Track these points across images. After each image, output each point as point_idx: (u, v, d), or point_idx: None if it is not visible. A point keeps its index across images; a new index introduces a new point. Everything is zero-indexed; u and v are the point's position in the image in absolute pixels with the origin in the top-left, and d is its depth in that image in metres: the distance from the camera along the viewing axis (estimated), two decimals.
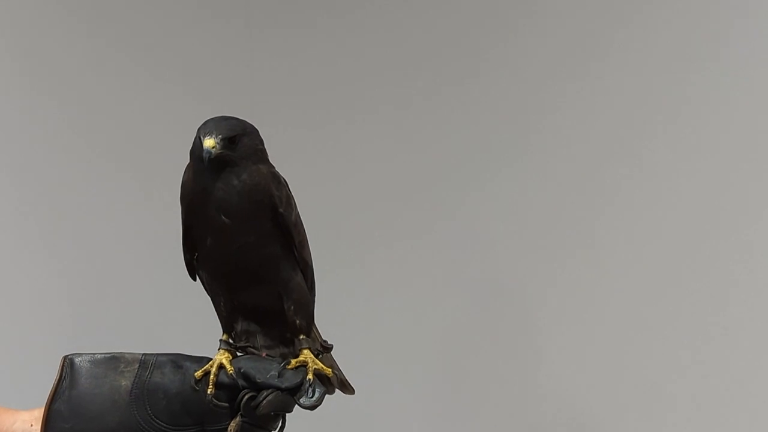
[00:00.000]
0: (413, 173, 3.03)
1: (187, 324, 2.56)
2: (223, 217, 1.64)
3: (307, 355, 1.68)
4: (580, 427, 2.79)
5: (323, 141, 3.14)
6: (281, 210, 1.67)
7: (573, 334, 2.79)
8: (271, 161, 1.72)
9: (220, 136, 1.63)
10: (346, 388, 1.82)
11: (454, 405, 2.92)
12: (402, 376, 2.94)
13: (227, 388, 1.65)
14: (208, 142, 1.62)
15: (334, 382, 1.77)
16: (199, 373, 1.66)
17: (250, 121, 1.71)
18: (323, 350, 1.75)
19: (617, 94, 2.78)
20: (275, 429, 1.68)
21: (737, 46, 2.64)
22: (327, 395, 1.74)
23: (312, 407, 1.64)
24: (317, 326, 1.79)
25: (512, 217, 2.90)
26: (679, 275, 2.67)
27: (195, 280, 1.75)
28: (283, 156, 1.82)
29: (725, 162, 2.64)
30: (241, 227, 1.65)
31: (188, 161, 1.69)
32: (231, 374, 1.65)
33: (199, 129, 1.66)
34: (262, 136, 1.70)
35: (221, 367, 1.66)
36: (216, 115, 1.68)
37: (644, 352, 2.70)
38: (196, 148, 1.65)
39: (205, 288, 1.75)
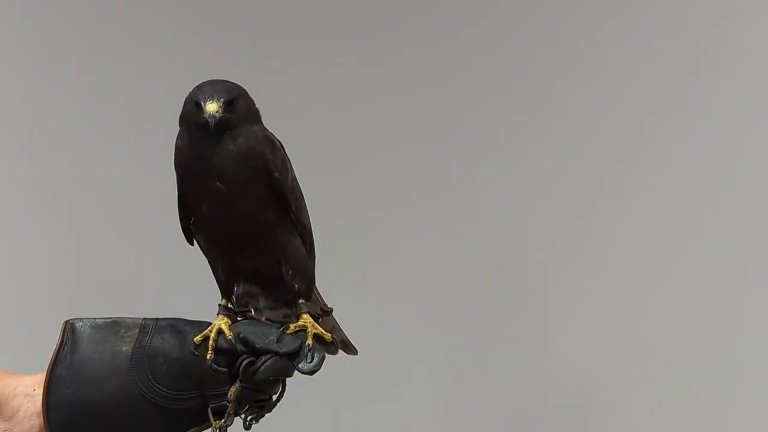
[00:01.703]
0: (421, 134, 3.00)
1: (188, 288, 2.55)
2: (218, 183, 1.63)
3: (306, 319, 1.67)
4: (586, 401, 2.79)
5: (322, 101, 3.10)
6: (276, 175, 1.66)
7: (581, 309, 2.79)
8: (268, 121, 1.70)
9: (222, 100, 1.62)
10: (349, 348, 1.82)
11: (459, 368, 2.91)
12: (405, 337, 2.92)
13: (226, 354, 1.65)
14: (212, 107, 1.61)
15: (336, 343, 1.77)
16: (198, 338, 1.66)
17: (249, 79, 1.70)
18: (323, 314, 1.75)
19: (622, 58, 2.76)
20: (275, 394, 1.67)
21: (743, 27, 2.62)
22: (331, 355, 1.75)
23: (311, 372, 1.63)
24: (318, 289, 1.78)
25: (521, 190, 2.88)
26: (692, 253, 2.66)
27: (192, 245, 1.74)
28: (281, 116, 1.80)
29: (738, 128, 2.62)
30: (237, 193, 1.64)
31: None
32: (230, 339, 1.65)
33: (194, 94, 1.64)
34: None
35: (220, 332, 1.65)
36: (206, 80, 1.67)
37: (653, 330, 2.70)
38: (192, 114, 1.64)
39: (203, 253, 1.73)
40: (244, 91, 1.67)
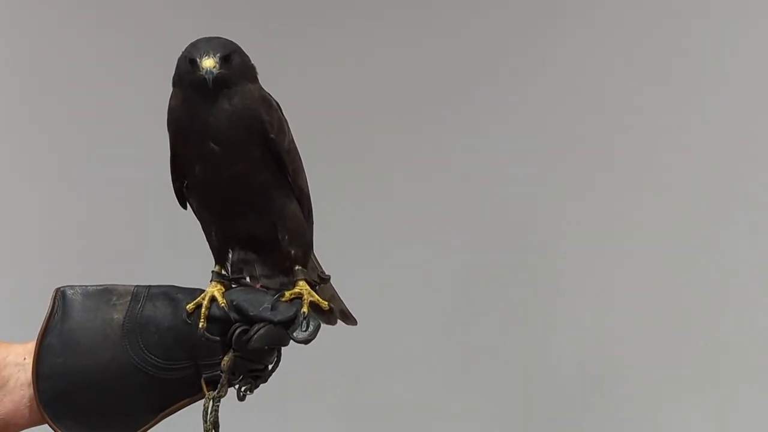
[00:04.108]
0: (428, 101, 2.96)
1: (182, 253, 2.53)
2: (211, 144, 1.59)
3: (302, 286, 1.63)
4: (598, 370, 2.76)
5: (324, 64, 3.06)
6: (272, 136, 1.61)
7: (593, 273, 2.76)
8: (269, 85, 1.66)
9: (218, 55, 1.59)
10: (348, 319, 1.77)
11: (464, 340, 2.88)
12: (408, 307, 2.89)
13: (220, 322, 1.61)
14: (208, 62, 1.58)
15: (335, 312, 1.73)
16: (190, 306, 1.62)
17: (246, 33, 1.70)
18: (321, 281, 1.71)
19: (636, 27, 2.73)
20: (270, 363, 1.63)
21: None
22: (329, 326, 1.71)
23: (306, 341, 1.59)
24: (317, 256, 1.74)
25: (532, 150, 2.85)
26: (708, 212, 2.64)
27: (186, 208, 1.71)
28: (281, 74, 1.77)
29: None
30: (231, 154, 1.59)
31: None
32: (223, 307, 1.60)
33: (189, 52, 1.60)
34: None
35: (213, 299, 1.61)
36: (200, 37, 1.63)
37: (667, 293, 2.68)
38: (186, 72, 1.60)
39: (196, 217, 1.70)
40: (239, 47, 1.63)
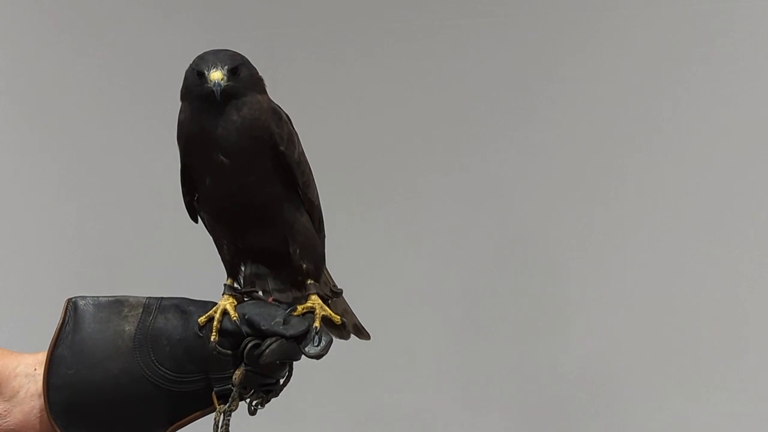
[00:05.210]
0: (437, 111, 2.93)
1: (194, 266, 2.53)
2: (221, 156, 1.58)
3: (314, 300, 1.62)
4: (609, 383, 2.75)
5: (335, 74, 3.05)
6: (282, 148, 1.61)
7: (604, 285, 2.74)
8: (276, 93, 1.66)
9: (226, 67, 1.59)
10: (362, 333, 1.77)
11: (475, 354, 2.86)
12: (421, 321, 2.87)
13: (231, 336, 1.60)
14: (216, 75, 1.58)
15: (348, 327, 1.73)
16: (202, 319, 1.61)
17: (256, 52, 1.68)
18: (333, 295, 1.70)
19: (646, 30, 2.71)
20: (282, 378, 1.63)
21: None
22: (342, 340, 1.71)
23: (317, 356, 1.58)
24: (330, 270, 1.74)
25: (541, 166, 2.82)
26: (715, 233, 2.63)
27: (197, 222, 1.70)
28: (292, 87, 1.76)
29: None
30: (241, 167, 1.59)
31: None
32: (235, 321, 1.60)
33: (197, 64, 1.61)
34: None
35: (225, 313, 1.61)
36: (208, 50, 1.63)
37: (679, 307, 2.66)
38: (194, 85, 1.60)
39: (207, 230, 1.69)
40: (247, 59, 1.63)
